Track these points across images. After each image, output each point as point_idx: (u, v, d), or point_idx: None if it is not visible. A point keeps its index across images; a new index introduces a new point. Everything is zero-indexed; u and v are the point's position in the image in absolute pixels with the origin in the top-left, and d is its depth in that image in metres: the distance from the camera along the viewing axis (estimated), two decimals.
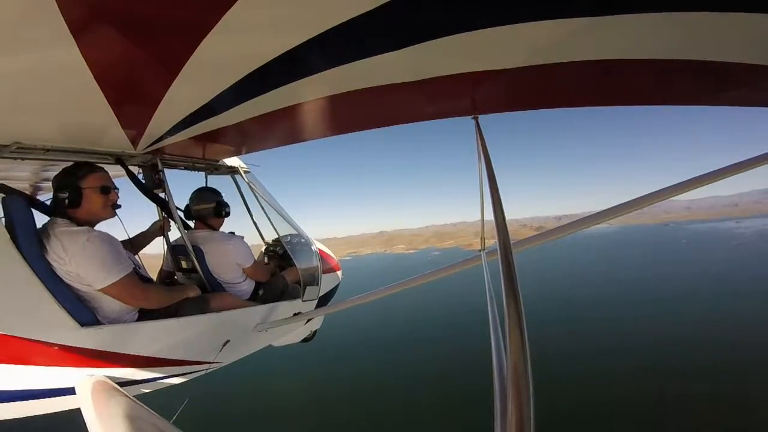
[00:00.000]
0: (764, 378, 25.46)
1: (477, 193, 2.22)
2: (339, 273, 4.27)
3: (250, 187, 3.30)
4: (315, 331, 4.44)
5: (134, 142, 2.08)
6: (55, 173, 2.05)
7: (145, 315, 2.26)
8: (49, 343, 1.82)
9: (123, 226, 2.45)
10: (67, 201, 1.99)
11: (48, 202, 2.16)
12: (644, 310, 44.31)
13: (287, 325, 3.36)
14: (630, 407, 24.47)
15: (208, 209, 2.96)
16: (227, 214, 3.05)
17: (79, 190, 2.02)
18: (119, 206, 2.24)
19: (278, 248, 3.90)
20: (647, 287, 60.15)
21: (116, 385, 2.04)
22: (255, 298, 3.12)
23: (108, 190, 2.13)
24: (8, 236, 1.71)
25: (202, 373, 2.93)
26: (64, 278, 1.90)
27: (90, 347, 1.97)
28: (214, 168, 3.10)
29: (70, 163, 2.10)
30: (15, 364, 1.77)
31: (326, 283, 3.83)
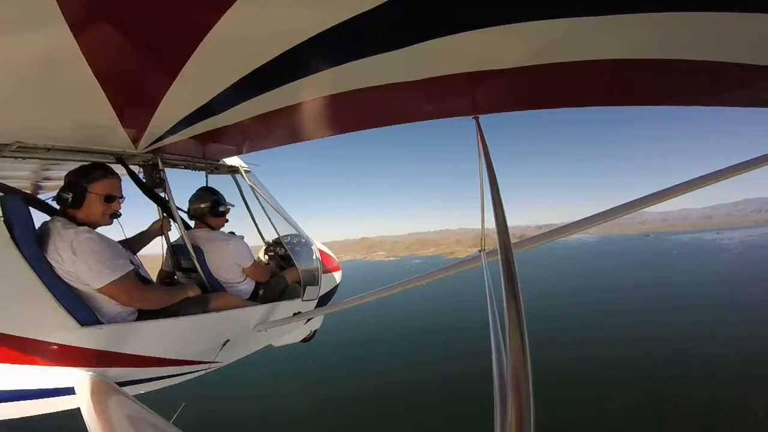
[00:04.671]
0: None
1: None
2: (339, 273, 4.26)
3: (251, 186, 3.29)
4: (315, 331, 4.43)
5: (135, 141, 2.08)
6: (55, 172, 2.06)
7: (145, 314, 2.26)
8: (48, 342, 1.82)
9: (121, 227, 2.45)
10: (69, 200, 2.00)
11: (47, 201, 2.17)
12: (663, 327, 42.44)
13: (287, 325, 3.36)
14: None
15: (205, 208, 2.97)
16: (223, 214, 3.05)
17: (83, 193, 2.03)
18: (119, 215, 2.24)
19: (278, 248, 3.90)
20: (658, 300, 58.39)
21: (116, 385, 2.04)
22: (255, 298, 3.12)
23: (112, 199, 2.14)
24: (8, 235, 1.71)
25: (202, 372, 2.93)
26: (63, 278, 1.90)
27: (90, 347, 1.97)
28: (215, 167, 3.10)
29: (83, 162, 2.12)
30: (15, 363, 1.77)
31: (326, 283, 3.83)
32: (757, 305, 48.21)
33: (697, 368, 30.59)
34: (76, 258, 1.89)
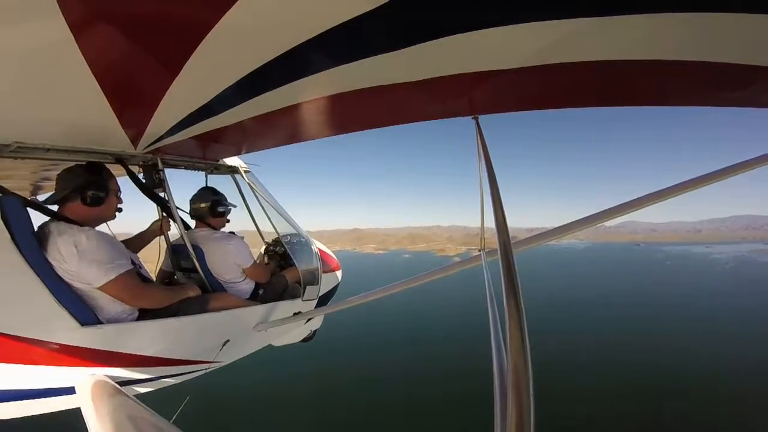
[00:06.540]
0: None
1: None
2: (339, 272, 4.27)
3: (251, 186, 3.30)
4: (315, 331, 4.44)
5: (134, 141, 2.08)
6: (54, 173, 2.06)
7: (145, 314, 2.27)
8: (49, 342, 1.83)
9: (109, 228, 2.45)
10: (89, 200, 2.04)
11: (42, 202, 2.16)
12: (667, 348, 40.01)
13: (287, 325, 3.36)
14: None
15: (205, 208, 2.98)
16: (223, 214, 3.06)
17: (106, 191, 2.11)
18: (121, 210, 2.31)
19: (278, 248, 3.91)
20: (658, 311, 56.74)
21: (116, 385, 2.04)
22: (255, 298, 3.13)
23: (119, 193, 2.25)
24: (8, 235, 1.72)
25: (202, 372, 2.93)
26: (64, 277, 1.90)
27: (90, 346, 1.97)
28: (215, 167, 3.10)
29: (80, 162, 2.12)
30: (15, 363, 1.78)
31: (326, 283, 3.83)
32: (757, 320, 48.08)
33: (698, 381, 30.42)
34: (78, 257, 1.89)
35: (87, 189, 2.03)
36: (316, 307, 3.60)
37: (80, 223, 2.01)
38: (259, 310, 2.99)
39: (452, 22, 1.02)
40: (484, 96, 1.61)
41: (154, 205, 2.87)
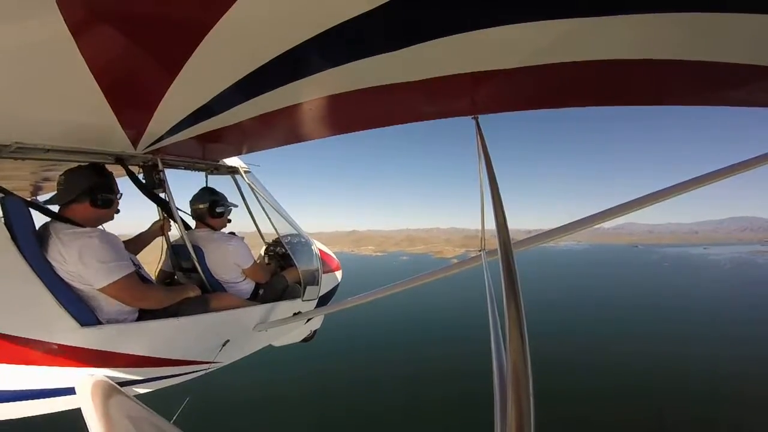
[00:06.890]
0: None
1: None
2: (339, 273, 4.27)
3: (251, 186, 3.30)
4: (315, 331, 4.45)
5: (134, 141, 2.08)
6: (54, 173, 2.06)
7: (145, 315, 2.27)
8: (49, 342, 1.83)
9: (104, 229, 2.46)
10: (100, 202, 2.07)
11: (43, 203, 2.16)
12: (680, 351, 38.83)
13: (287, 325, 3.37)
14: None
15: (204, 209, 2.98)
16: (221, 214, 3.05)
17: (114, 193, 2.16)
18: (119, 211, 2.33)
19: (278, 248, 3.91)
20: (658, 312, 55.78)
21: (116, 385, 2.04)
22: (255, 298, 3.13)
23: (118, 195, 2.28)
24: (8, 236, 1.72)
25: (202, 372, 2.93)
26: (64, 278, 1.90)
27: (90, 347, 1.97)
28: (215, 168, 3.10)
29: (80, 163, 2.13)
30: (15, 363, 1.78)
31: (326, 283, 3.84)
32: (756, 321, 48.01)
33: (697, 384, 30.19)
34: (80, 258, 1.90)
35: (97, 191, 2.06)
36: (316, 308, 3.61)
37: (81, 225, 2.01)
38: (259, 310, 2.99)
39: (451, 22, 1.02)
40: (484, 96, 1.61)
41: (155, 205, 2.88)
